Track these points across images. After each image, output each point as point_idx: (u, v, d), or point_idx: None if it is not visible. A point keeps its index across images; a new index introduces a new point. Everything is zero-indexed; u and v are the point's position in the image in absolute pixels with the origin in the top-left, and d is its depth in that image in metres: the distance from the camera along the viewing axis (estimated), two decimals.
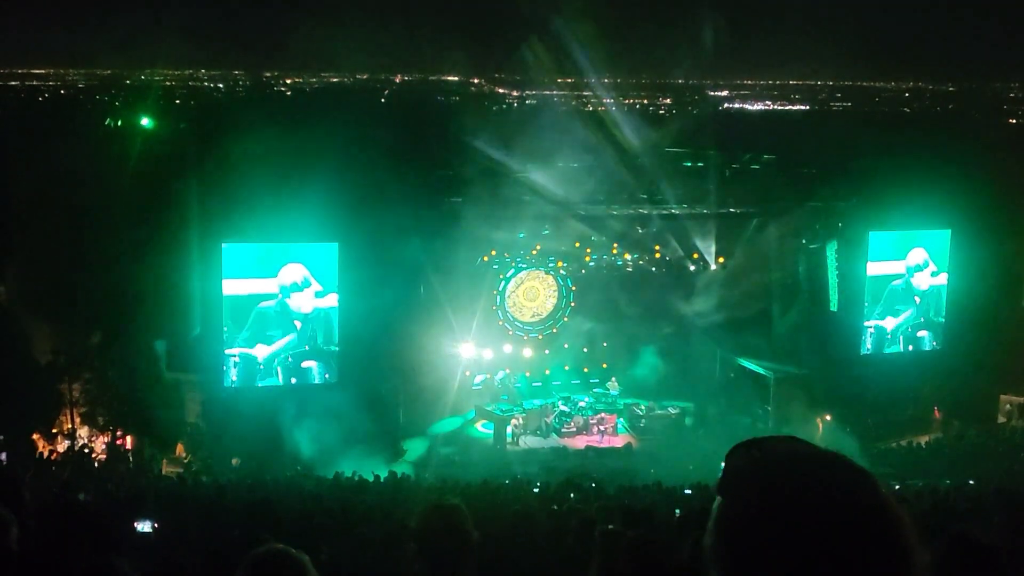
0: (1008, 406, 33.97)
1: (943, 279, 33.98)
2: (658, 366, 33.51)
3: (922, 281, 33.82)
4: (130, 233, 26.51)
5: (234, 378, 29.32)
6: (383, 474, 24.17)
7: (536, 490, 20.21)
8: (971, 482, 22.85)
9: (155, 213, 27.01)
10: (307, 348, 29.99)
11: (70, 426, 27.95)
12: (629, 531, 5.98)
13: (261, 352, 29.53)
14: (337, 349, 30.16)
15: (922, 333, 34.24)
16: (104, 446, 27.82)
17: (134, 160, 26.48)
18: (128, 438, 28.21)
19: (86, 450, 27.23)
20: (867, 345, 33.74)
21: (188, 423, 29.51)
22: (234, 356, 29.23)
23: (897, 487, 22.64)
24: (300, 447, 27.53)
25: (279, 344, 29.67)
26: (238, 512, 13.20)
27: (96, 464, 26.42)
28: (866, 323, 33.57)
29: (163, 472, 26.44)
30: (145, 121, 29.06)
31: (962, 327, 33.24)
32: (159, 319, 27.87)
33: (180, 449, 28.78)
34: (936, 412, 34.06)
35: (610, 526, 5.67)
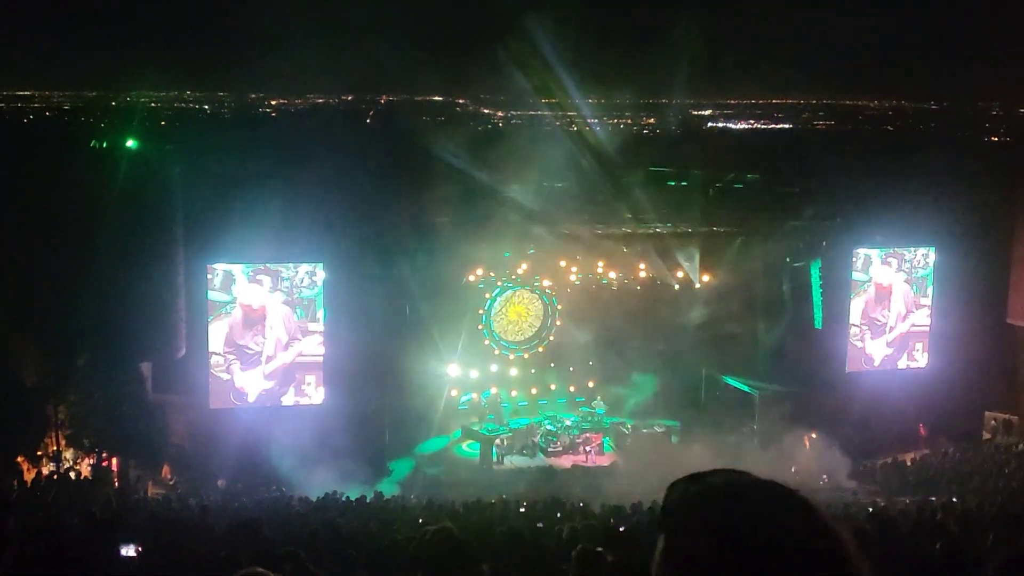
0: (993, 422, 34.08)
1: (927, 295, 34.18)
2: (644, 384, 33.61)
3: (903, 295, 34.00)
4: (116, 254, 26.45)
5: (219, 399, 29.32)
6: (369, 494, 24.14)
7: (522, 510, 20.20)
8: (954, 500, 22.92)
9: (141, 235, 26.97)
10: (292, 368, 29.97)
11: (55, 448, 27.82)
12: (608, 552, 6.00)
13: (245, 373, 29.50)
14: (322, 369, 30.12)
15: (908, 348, 34.40)
16: (89, 468, 27.69)
17: (120, 182, 26.41)
18: (113, 460, 28.09)
19: (71, 473, 27.11)
20: (853, 362, 33.86)
21: (174, 444, 29.43)
22: (219, 376, 29.22)
23: (883, 504, 22.74)
24: (286, 468, 27.46)
25: (263, 364, 29.65)
26: (224, 534, 13.19)
27: (81, 487, 26.30)
28: (851, 340, 33.67)
29: (149, 494, 26.35)
30: (131, 143, 29.00)
31: (946, 344, 33.37)
32: (144, 340, 27.81)
33: (166, 471, 28.69)
34: (922, 429, 34.15)
35: (599, 548, 5.70)
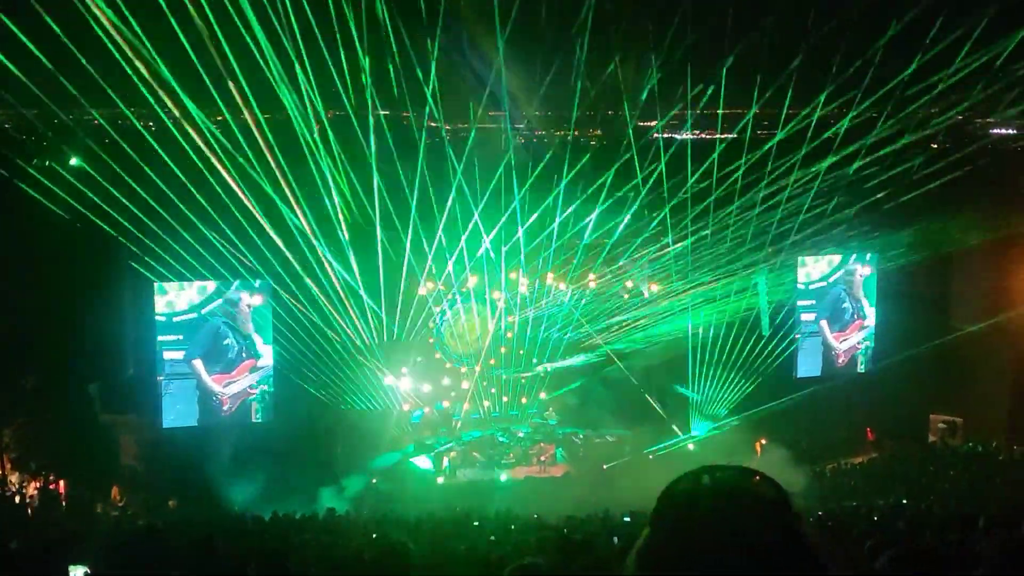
0: (941, 425, 34.52)
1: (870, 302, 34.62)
2: (596, 394, 33.67)
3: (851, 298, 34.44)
4: (61, 275, 26.18)
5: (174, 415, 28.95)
6: (322, 511, 24.03)
7: (476, 523, 20.19)
8: (904, 501, 23.23)
9: (86, 254, 26.70)
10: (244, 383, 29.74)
11: (1, 472, 27.45)
12: (564, 562, 6.05)
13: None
14: (272, 386, 29.90)
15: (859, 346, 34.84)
16: (36, 491, 27.34)
17: (63, 201, 26.10)
18: (61, 482, 27.76)
19: (16, 497, 26.75)
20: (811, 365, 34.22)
21: (123, 465, 29.12)
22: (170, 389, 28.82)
23: (832, 507, 22.97)
24: (237, 486, 27.27)
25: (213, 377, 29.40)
26: (177, 552, 13.10)
27: (28, 510, 25.97)
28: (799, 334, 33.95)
29: (98, 516, 26.05)
30: (74, 161, 28.69)
31: (891, 348, 33.76)
32: (92, 361, 27.53)
33: (115, 492, 28.38)
34: (869, 433, 34.54)
35: (531, 560, 5.71)
